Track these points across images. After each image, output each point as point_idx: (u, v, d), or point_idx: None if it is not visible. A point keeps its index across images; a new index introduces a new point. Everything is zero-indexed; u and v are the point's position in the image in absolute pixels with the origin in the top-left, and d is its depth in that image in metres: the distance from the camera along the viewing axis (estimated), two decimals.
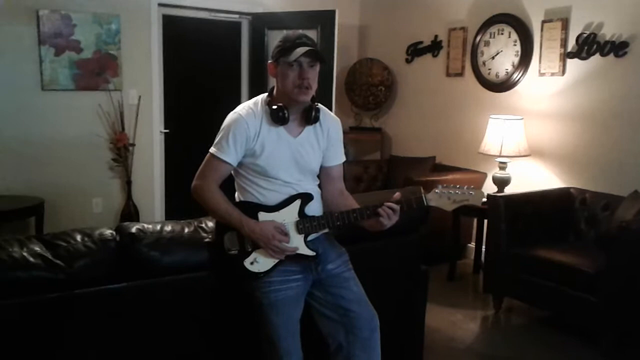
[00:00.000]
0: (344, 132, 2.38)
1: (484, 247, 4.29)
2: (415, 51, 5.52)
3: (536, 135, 4.42)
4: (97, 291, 2.01)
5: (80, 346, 2.00)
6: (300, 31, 2.16)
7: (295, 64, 2.05)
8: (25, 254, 1.95)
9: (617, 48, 3.88)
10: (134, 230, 2.17)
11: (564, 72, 4.24)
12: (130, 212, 5.01)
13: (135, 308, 2.10)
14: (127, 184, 5.05)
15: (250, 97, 2.24)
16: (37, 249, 1.98)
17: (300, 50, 2.03)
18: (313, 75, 2.09)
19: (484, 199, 3.84)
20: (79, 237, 2.08)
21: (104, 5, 4.82)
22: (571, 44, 4.17)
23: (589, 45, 4.04)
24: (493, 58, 4.75)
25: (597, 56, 4.02)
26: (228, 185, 2.22)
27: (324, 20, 5.25)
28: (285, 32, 2.18)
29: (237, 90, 5.80)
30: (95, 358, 2.04)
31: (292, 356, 2.13)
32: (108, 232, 2.15)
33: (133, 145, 5.03)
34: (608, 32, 3.95)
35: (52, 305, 1.94)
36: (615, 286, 3.20)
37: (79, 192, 4.91)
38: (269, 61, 2.15)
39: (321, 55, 2.11)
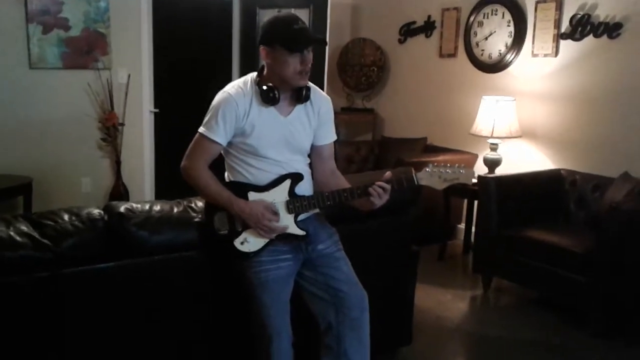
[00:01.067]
0: (336, 113, 2.37)
1: (474, 227, 4.30)
2: (408, 31, 5.47)
3: (528, 117, 4.41)
4: (84, 270, 2.00)
5: (68, 326, 1.99)
6: (290, 12, 2.12)
7: (298, 51, 2.02)
8: (12, 233, 1.93)
9: (611, 29, 3.87)
10: (122, 209, 2.15)
11: (557, 53, 4.22)
12: (119, 191, 4.98)
13: (124, 287, 2.09)
14: (117, 163, 5.01)
15: (241, 76, 2.21)
16: (24, 228, 1.96)
17: (308, 39, 2.03)
18: (310, 59, 2.07)
19: (475, 179, 3.89)
20: (66, 217, 2.06)
21: None
22: (565, 25, 4.15)
23: (582, 27, 4.02)
24: (486, 39, 4.72)
25: (590, 37, 4.00)
26: (218, 165, 2.21)
27: None
28: (275, 13, 2.13)
29: (228, 69, 5.73)
30: (83, 337, 2.03)
31: (281, 335, 2.13)
32: (96, 211, 2.13)
33: (122, 124, 4.98)
34: (602, 13, 3.93)
35: (39, 285, 1.92)
36: (604, 267, 3.23)
37: (68, 171, 4.87)
38: (261, 46, 2.08)
39: (326, 43, 2.09)
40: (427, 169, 2.13)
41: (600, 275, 3.23)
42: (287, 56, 2.02)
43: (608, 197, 3.49)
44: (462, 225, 4.84)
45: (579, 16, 4.03)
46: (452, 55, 5.06)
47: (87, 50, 4.78)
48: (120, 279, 2.08)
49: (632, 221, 3.22)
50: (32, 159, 4.67)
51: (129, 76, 4.99)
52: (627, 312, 3.39)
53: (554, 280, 3.46)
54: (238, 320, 2.25)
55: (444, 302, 3.77)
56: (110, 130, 4.91)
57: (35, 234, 1.96)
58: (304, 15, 4.83)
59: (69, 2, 4.64)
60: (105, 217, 2.13)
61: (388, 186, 2.10)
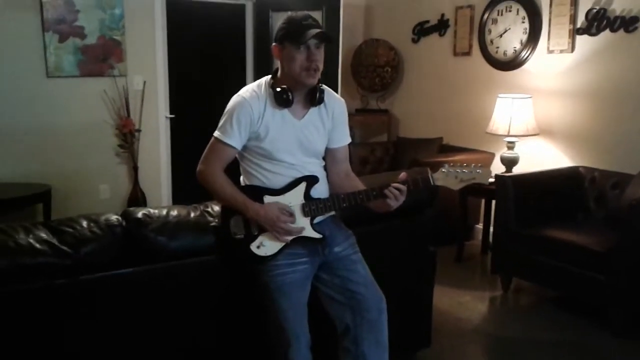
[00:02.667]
0: (350, 115, 2.36)
1: (492, 227, 4.26)
2: (421, 31, 5.45)
3: (545, 114, 4.37)
4: (103, 277, 2.02)
5: (87, 332, 2.01)
6: (305, 12, 2.12)
7: (303, 46, 2.02)
8: (31, 240, 1.95)
9: (628, 23, 3.81)
10: (140, 215, 2.16)
11: (573, 49, 4.18)
12: (137, 197, 5.03)
13: (142, 293, 2.10)
14: (134, 169, 5.06)
15: (255, 80, 2.21)
16: (43, 235, 1.98)
17: (311, 32, 2.00)
18: (320, 57, 2.06)
19: (492, 178, 3.85)
20: (84, 223, 2.08)
21: None
22: (580, 20, 4.10)
23: (598, 21, 3.97)
24: (501, 36, 4.69)
25: (607, 32, 3.95)
26: (233, 169, 2.21)
27: (329, 0, 5.19)
28: (289, 13, 2.15)
29: (242, 74, 5.76)
30: (102, 344, 2.04)
31: (300, 339, 2.13)
32: (114, 217, 2.15)
33: (139, 130, 5.02)
34: (618, 7, 3.88)
35: (58, 291, 1.94)
36: (625, 265, 3.18)
37: (86, 178, 4.92)
38: (273, 44, 2.11)
39: (330, 36, 2.08)
40: (443, 169, 2.11)
41: (620, 274, 3.19)
42: (295, 52, 2.02)
43: (628, 195, 3.43)
44: (480, 226, 4.80)
45: (594, 11, 3.98)
46: (467, 53, 5.03)
47: (103, 57, 4.83)
48: (139, 284, 2.10)
49: None
50: (50, 167, 4.72)
51: (144, 83, 5.03)
52: None
53: (573, 279, 3.42)
54: (256, 325, 2.25)
55: (462, 304, 3.74)
56: (127, 136, 4.95)
57: (55, 241, 1.98)
58: (317, 16, 4.81)
59: (85, 11, 4.70)
60: (123, 223, 2.14)
61: (404, 187, 2.08)
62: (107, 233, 2.07)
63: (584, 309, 3.55)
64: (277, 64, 2.15)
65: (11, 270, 1.88)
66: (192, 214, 2.26)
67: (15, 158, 4.59)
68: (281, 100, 2.07)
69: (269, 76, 2.16)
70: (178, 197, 5.35)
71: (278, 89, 2.07)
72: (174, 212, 2.24)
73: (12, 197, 4.20)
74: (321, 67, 2.07)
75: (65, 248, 1.97)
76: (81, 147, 4.86)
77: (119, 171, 5.09)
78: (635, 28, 3.79)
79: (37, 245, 1.94)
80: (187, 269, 2.17)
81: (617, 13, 3.88)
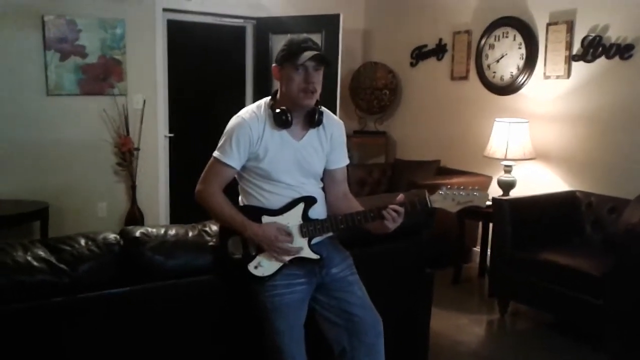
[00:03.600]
0: (348, 136, 2.38)
1: (489, 250, 4.27)
2: (419, 55, 5.51)
3: (541, 139, 4.40)
4: (101, 295, 2.01)
5: (84, 351, 2.00)
6: (305, 35, 2.16)
7: (301, 67, 2.05)
8: (29, 258, 1.95)
9: (623, 50, 3.87)
10: (137, 234, 2.17)
11: (569, 75, 4.23)
12: (135, 216, 5.02)
13: (140, 312, 2.09)
14: (132, 188, 5.06)
15: (254, 101, 2.24)
16: (41, 253, 1.98)
17: (307, 54, 2.03)
18: (318, 79, 2.09)
19: (489, 201, 3.87)
20: (82, 241, 2.08)
21: (109, 10, 4.84)
22: (576, 47, 4.15)
23: (594, 48, 4.02)
24: (498, 61, 4.74)
25: (602, 59, 4.00)
26: (232, 189, 2.22)
27: (328, 24, 5.25)
28: (289, 36, 2.18)
29: (241, 95, 5.81)
30: None
31: None
32: (112, 236, 2.15)
33: (138, 149, 5.04)
34: (613, 35, 3.93)
35: (56, 310, 1.94)
36: (621, 290, 3.18)
37: (84, 196, 4.92)
38: (274, 64, 2.15)
39: (327, 58, 2.10)
40: (441, 192, 2.13)
41: (617, 299, 3.18)
42: (293, 73, 2.05)
43: (624, 219, 3.44)
44: (478, 248, 4.80)
45: (590, 38, 4.04)
46: (464, 77, 5.08)
47: (104, 76, 4.87)
48: (136, 303, 2.09)
49: None
50: (48, 185, 4.73)
51: (144, 102, 5.06)
52: None
53: (570, 303, 3.42)
54: (253, 345, 2.24)
55: (459, 327, 3.73)
56: (126, 155, 4.96)
57: (52, 259, 1.98)
58: (316, 40, 4.88)
59: (86, 30, 4.74)
60: (121, 242, 2.14)
61: (402, 209, 2.10)
62: (105, 251, 2.08)
63: (580, 334, 3.54)
64: (277, 85, 2.18)
65: (9, 288, 1.87)
66: (190, 234, 2.26)
67: (13, 175, 4.60)
68: (280, 121, 2.10)
69: (269, 97, 2.19)
70: (176, 217, 5.34)
71: (277, 110, 2.10)
72: (172, 232, 2.24)
73: (9, 214, 4.20)
74: (319, 89, 2.10)
75: (63, 266, 1.97)
76: (80, 165, 4.87)
77: (117, 189, 5.09)
78: (631, 55, 3.84)
79: (35, 263, 1.94)
80: (185, 289, 2.16)
81: (613, 40, 3.93)
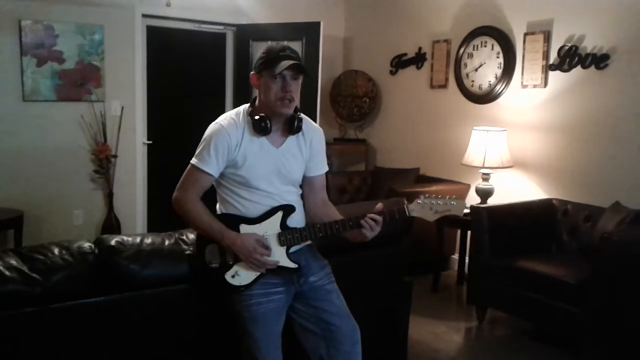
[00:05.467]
0: (328, 144, 2.38)
1: (467, 258, 4.29)
2: (399, 63, 5.54)
3: (519, 147, 4.45)
4: (74, 305, 1.98)
5: None
6: (284, 43, 2.15)
7: (279, 76, 2.04)
8: (0, 267, 1.91)
9: (599, 60, 3.93)
10: (113, 242, 2.14)
11: (546, 84, 4.28)
12: (111, 224, 4.96)
13: (115, 322, 2.06)
14: (109, 195, 5.00)
15: (234, 108, 2.23)
16: (13, 262, 1.95)
17: (285, 63, 2.02)
18: (296, 88, 2.09)
19: (466, 210, 3.89)
20: (56, 250, 2.05)
21: (88, 15, 4.79)
22: (553, 57, 4.21)
23: (570, 58, 4.08)
24: (476, 70, 4.79)
25: (578, 68, 4.06)
26: (210, 197, 2.20)
27: (309, 31, 5.26)
28: (269, 43, 2.17)
29: (221, 101, 5.78)
30: None
31: None
32: (87, 245, 2.12)
33: (115, 156, 4.99)
34: (589, 45, 4.00)
35: (28, 320, 1.90)
36: (597, 297, 3.21)
37: (60, 204, 4.85)
38: (252, 72, 2.14)
39: (305, 68, 2.10)
40: (419, 201, 2.14)
41: (593, 306, 3.22)
42: (270, 81, 2.05)
43: (600, 227, 3.49)
44: (456, 256, 4.82)
45: (566, 48, 4.10)
46: (443, 86, 5.12)
47: (81, 82, 4.82)
48: (111, 313, 2.06)
49: (624, 251, 3.21)
50: (23, 192, 4.65)
51: (122, 108, 5.01)
52: (620, 343, 3.36)
53: (547, 311, 3.45)
54: (230, 355, 2.22)
55: (438, 334, 3.73)
56: (103, 162, 4.91)
57: (25, 268, 1.94)
58: (296, 47, 4.89)
59: (64, 35, 4.69)
60: (96, 251, 2.11)
61: (380, 218, 2.10)
62: (79, 261, 2.04)
63: (558, 341, 3.56)
64: (256, 92, 2.17)
65: None
66: (167, 242, 2.24)
67: None
68: (259, 128, 2.09)
69: (248, 104, 2.18)
70: (153, 224, 5.29)
71: (256, 117, 2.09)
72: (148, 240, 2.22)
73: None
74: (296, 97, 2.10)
75: (35, 276, 1.93)
76: (56, 172, 4.80)
77: (94, 197, 5.03)
78: (606, 65, 3.90)
79: (7, 273, 1.90)
80: (161, 298, 2.14)
81: (589, 50, 3.99)
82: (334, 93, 5.91)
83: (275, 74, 2.03)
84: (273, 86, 2.05)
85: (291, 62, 2.03)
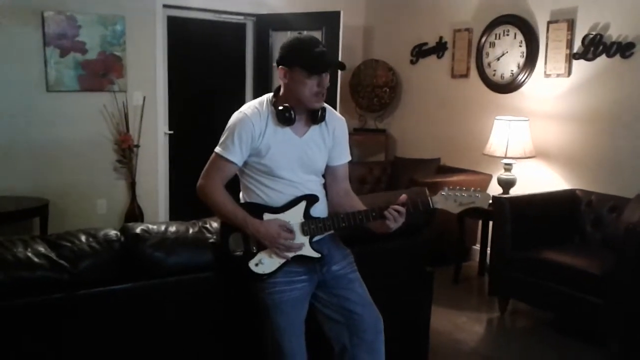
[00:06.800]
0: (349, 134, 2.37)
1: (489, 249, 4.27)
2: (420, 52, 5.50)
3: (542, 137, 4.40)
4: (101, 292, 2.01)
5: (84, 347, 1.99)
6: (311, 35, 2.15)
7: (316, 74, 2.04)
8: (29, 254, 1.94)
9: (624, 49, 3.86)
10: (138, 230, 2.16)
11: (569, 73, 4.22)
12: (134, 213, 5.01)
13: (140, 309, 2.09)
14: (132, 185, 5.05)
15: (254, 98, 2.23)
16: (41, 249, 1.98)
17: (327, 64, 2.04)
18: (327, 82, 2.09)
19: (490, 201, 3.86)
20: (83, 238, 2.08)
21: (109, 6, 4.82)
22: (577, 45, 4.15)
23: (595, 46, 4.02)
24: (498, 59, 4.74)
25: (603, 57, 4.00)
26: (233, 185, 2.22)
27: (329, 21, 5.24)
28: (293, 35, 2.18)
29: (241, 91, 5.80)
30: (99, 359, 2.03)
31: (296, 357, 2.12)
32: (112, 232, 2.15)
33: (137, 146, 5.03)
34: (614, 33, 3.93)
35: (56, 306, 1.93)
36: (622, 288, 3.18)
37: (84, 193, 4.91)
38: (280, 65, 2.10)
39: (344, 66, 2.14)
40: (443, 193, 2.13)
41: (618, 297, 3.19)
42: (305, 78, 2.03)
43: (625, 218, 3.45)
44: (477, 247, 4.80)
45: (591, 36, 4.03)
46: (465, 75, 5.08)
47: (103, 73, 4.85)
48: (136, 300, 2.09)
49: None
50: (48, 181, 4.72)
51: (144, 98, 5.05)
52: None
53: (571, 302, 3.42)
54: (253, 342, 2.24)
55: (459, 325, 3.73)
56: (126, 152, 4.95)
57: (53, 255, 1.97)
58: (316, 37, 4.87)
59: (86, 26, 4.73)
60: (122, 239, 2.14)
61: (403, 209, 2.09)
62: (106, 248, 2.07)
63: (581, 332, 3.54)
64: (278, 82, 2.17)
65: (8, 283, 1.87)
66: (191, 230, 2.26)
67: (13, 171, 4.58)
68: (283, 118, 2.09)
69: (271, 94, 2.18)
70: (175, 214, 5.34)
71: (280, 108, 2.09)
72: (173, 228, 2.24)
73: (8, 210, 4.18)
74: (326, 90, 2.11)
75: (63, 262, 1.96)
76: (79, 161, 4.86)
77: (117, 186, 5.08)
78: (632, 54, 3.84)
79: (35, 259, 1.93)
80: (185, 285, 2.16)
81: (614, 39, 3.93)
82: (353, 83, 5.89)
83: (316, 73, 2.02)
84: (309, 83, 2.04)
85: (334, 61, 2.06)
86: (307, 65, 2.02)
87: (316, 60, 2.02)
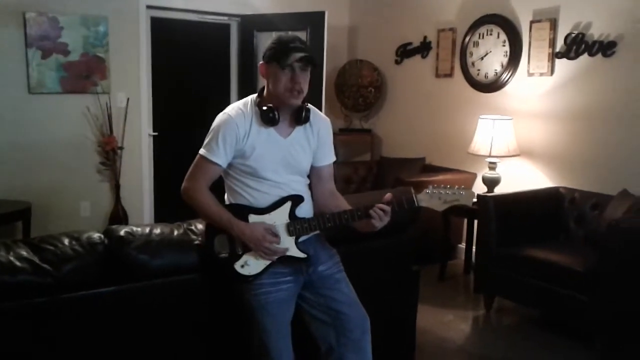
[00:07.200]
0: (334, 134, 2.38)
1: (474, 247, 4.29)
2: (404, 52, 5.52)
3: (525, 135, 4.43)
4: (85, 295, 1.99)
5: (68, 351, 1.98)
6: (294, 33, 2.14)
7: (288, 68, 2.04)
8: (11, 258, 1.92)
9: (605, 48, 3.90)
10: (122, 233, 2.15)
11: (552, 72, 4.26)
12: (119, 215, 4.98)
13: (125, 312, 2.08)
14: (116, 187, 5.01)
15: (239, 99, 2.23)
16: (23, 253, 1.96)
17: (295, 56, 2.02)
18: (305, 80, 2.08)
19: (474, 199, 3.89)
20: (66, 241, 2.06)
21: (92, 7, 4.78)
22: (559, 44, 4.19)
23: (577, 45, 4.05)
24: (482, 59, 4.77)
25: (585, 56, 4.04)
26: (218, 187, 2.21)
27: (313, 21, 5.24)
28: (276, 34, 2.17)
29: (226, 92, 5.78)
30: None
31: (282, 358, 2.12)
32: (96, 235, 2.13)
33: (121, 148, 4.99)
34: (596, 32, 3.97)
35: (39, 310, 1.91)
36: (605, 284, 3.21)
37: (67, 196, 4.87)
38: (260, 62, 2.13)
39: (314, 60, 2.09)
40: (427, 191, 2.13)
41: (601, 294, 3.22)
42: (279, 72, 2.04)
43: (607, 215, 3.49)
44: (463, 245, 4.83)
45: (573, 35, 4.07)
46: (449, 75, 5.10)
47: (86, 74, 4.82)
48: (120, 303, 2.07)
49: (632, 239, 3.21)
50: (30, 184, 4.67)
51: (127, 100, 5.01)
52: (629, 330, 3.37)
53: (555, 299, 3.45)
54: (239, 344, 2.23)
55: (445, 323, 3.74)
56: (110, 154, 4.92)
57: (35, 259, 1.95)
58: (301, 37, 4.87)
59: (69, 27, 4.68)
60: (106, 241, 2.12)
61: (388, 208, 2.10)
62: (89, 251, 2.05)
63: (566, 329, 3.57)
64: (263, 82, 2.17)
65: None
66: (176, 232, 2.25)
67: None
68: (267, 118, 2.09)
69: (255, 94, 2.17)
70: (160, 216, 5.30)
71: (264, 108, 2.09)
72: (157, 230, 2.23)
73: None
74: (305, 89, 2.09)
75: (46, 266, 1.94)
76: (62, 164, 4.82)
77: (101, 189, 5.04)
78: (613, 52, 3.88)
79: (18, 263, 1.91)
80: (170, 288, 2.15)
81: (595, 38, 3.97)
82: (339, 83, 5.89)
83: (285, 65, 2.02)
84: (282, 77, 2.04)
85: (301, 54, 2.02)
86: (278, 57, 2.03)
87: (286, 52, 2.02)
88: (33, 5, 4.55)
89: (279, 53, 2.04)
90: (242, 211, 2.11)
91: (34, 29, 4.56)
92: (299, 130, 2.17)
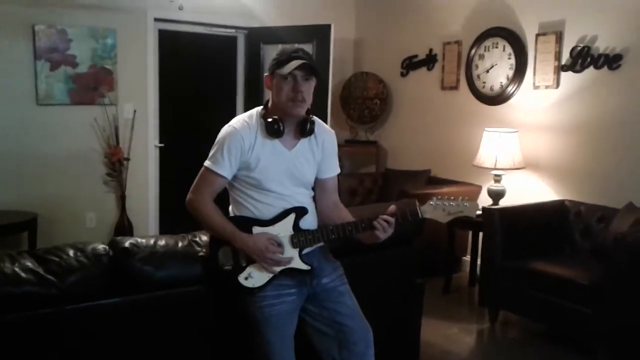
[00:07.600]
0: (340, 146, 2.38)
1: (479, 260, 4.28)
2: (410, 65, 5.54)
3: (531, 148, 4.43)
4: (89, 307, 1.99)
5: None
6: (297, 45, 2.16)
7: (290, 77, 2.05)
8: (16, 269, 1.93)
9: (611, 61, 3.91)
10: (127, 244, 2.15)
11: (558, 85, 4.26)
12: (124, 226, 4.99)
13: (129, 323, 2.08)
14: (122, 198, 5.03)
15: (245, 111, 2.24)
16: (28, 264, 1.97)
17: (295, 63, 2.03)
18: (307, 89, 2.09)
19: (479, 211, 3.87)
20: (71, 252, 2.07)
21: (100, 20, 4.83)
22: (565, 57, 4.19)
23: (583, 58, 4.06)
24: (487, 71, 4.77)
25: (591, 69, 4.04)
26: (222, 199, 2.22)
27: (320, 34, 5.27)
28: (281, 46, 2.19)
29: (232, 104, 5.81)
30: None
31: None
32: (101, 246, 2.14)
33: (128, 159, 5.02)
34: (602, 45, 3.98)
35: (44, 321, 1.92)
36: (610, 298, 3.19)
37: (73, 206, 4.89)
38: (265, 74, 2.15)
39: (315, 68, 2.10)
40: (432, 202, 2.13)
41: (607, 307, 3.20)
42: (282, 82, 2.06)
43: (613, 228, 3.47)
44: (468, 258, 4.81)
45: (579, 48, 4.08)
46: (454, 87, 5.11)
47: (94, 86, 4.85)
48: (125, 314, 2.07)
49: (638, 252, 3.19)
50: (37, 195, 4.69)
51: (134, 111, 5.04)
52: (634, 343, 3.34)
53: (560, 312, 3.43)
54: (243, 356, 2.23)
55: (450, 336, 3.72)
56: (116, 165, 4.94)
57: (40, 270, 1.96)
58: (307, 50, 4.88)
59: (77, 39, 4.73)
60: (110, 253, 2.13)
61: (392, 219, 2.10)
62: (94, 262, 2.06)
63: (571, 343, 3.54)
64: (269, 94, 2.18)
65: None
66: (180, 244, 2.26)
67: (1, 185, 4.56)
68: (272, 130, 2.10)
69: (261, 107, 2.19)
70: (165, 227, 5.31)
71: (269, 120, 2.10)
72: (162, 242, 2.23)
73: None
74: (308, 98, 2.10)
75: (51, 277, 1.95)
76: (69, 175, 4.84)
77: (107, 199, 5.06)
78: (619, 66, 3.88)
79: (23, 275, 1.92)
80: (175, 299, 2.15)
81: (601, 51, 3.97)
82: (344, 95, 5.92)
83: (285, 73, 2.04)
84: (284, 87, 2.06)
85: (301, 61, 2.03)
86: (279, 66, 2.05)
87: (287, 61, 2.04)
88: (42, 17, 4.60)
89: (281, 62, 2.06)
90: (246, 223, 2.12)
91: (43, 41, 4.61)
92: (303, 142, 2.18)
